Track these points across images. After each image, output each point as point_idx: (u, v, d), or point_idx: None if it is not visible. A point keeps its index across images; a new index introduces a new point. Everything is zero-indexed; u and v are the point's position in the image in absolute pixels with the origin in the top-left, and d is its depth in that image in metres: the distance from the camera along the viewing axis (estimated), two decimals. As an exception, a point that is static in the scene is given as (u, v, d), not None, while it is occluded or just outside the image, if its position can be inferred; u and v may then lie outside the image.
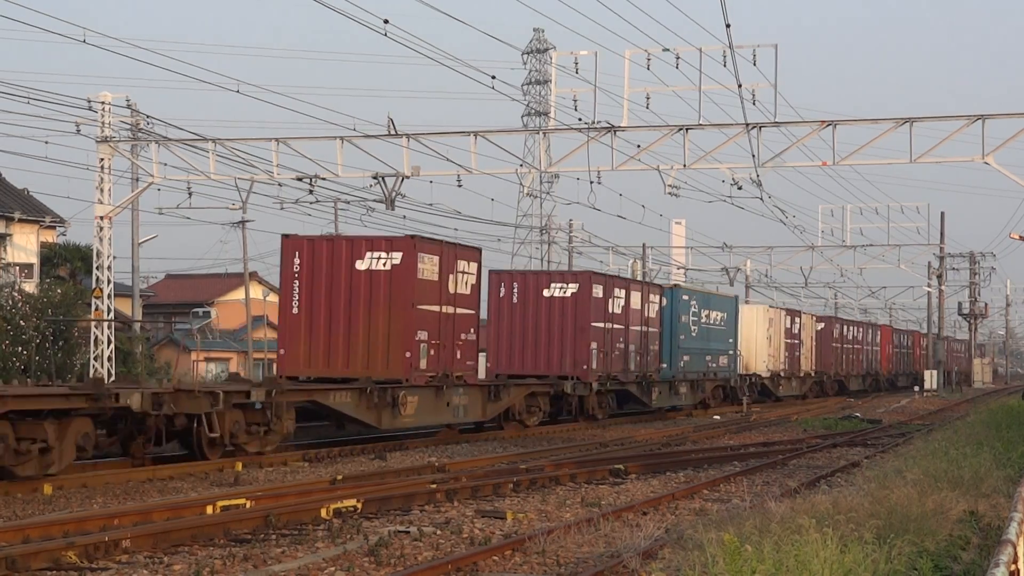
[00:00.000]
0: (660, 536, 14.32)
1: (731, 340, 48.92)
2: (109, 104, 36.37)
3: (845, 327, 72.01)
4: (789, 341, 57.78)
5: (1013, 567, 8.35)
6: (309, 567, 12.65)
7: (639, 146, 34.27)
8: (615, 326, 37.81)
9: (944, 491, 15.54)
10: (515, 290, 35.76)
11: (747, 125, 33.10)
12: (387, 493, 17.75)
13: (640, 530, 14.40)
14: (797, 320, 59.67)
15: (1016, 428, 26.83)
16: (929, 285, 77.59)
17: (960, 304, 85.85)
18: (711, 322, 46.38)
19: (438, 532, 15.12)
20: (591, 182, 35.58)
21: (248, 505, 16.35)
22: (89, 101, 36.05)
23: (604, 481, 21.45)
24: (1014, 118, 31.98)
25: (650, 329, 40.69)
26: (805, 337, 60.85)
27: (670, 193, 35.68)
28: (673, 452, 27.36)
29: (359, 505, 16.55)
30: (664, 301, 42.33)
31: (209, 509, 15.94)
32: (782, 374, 56.50)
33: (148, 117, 37.40)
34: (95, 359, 32.90)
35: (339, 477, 20.26)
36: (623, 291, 38.81)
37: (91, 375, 31.30)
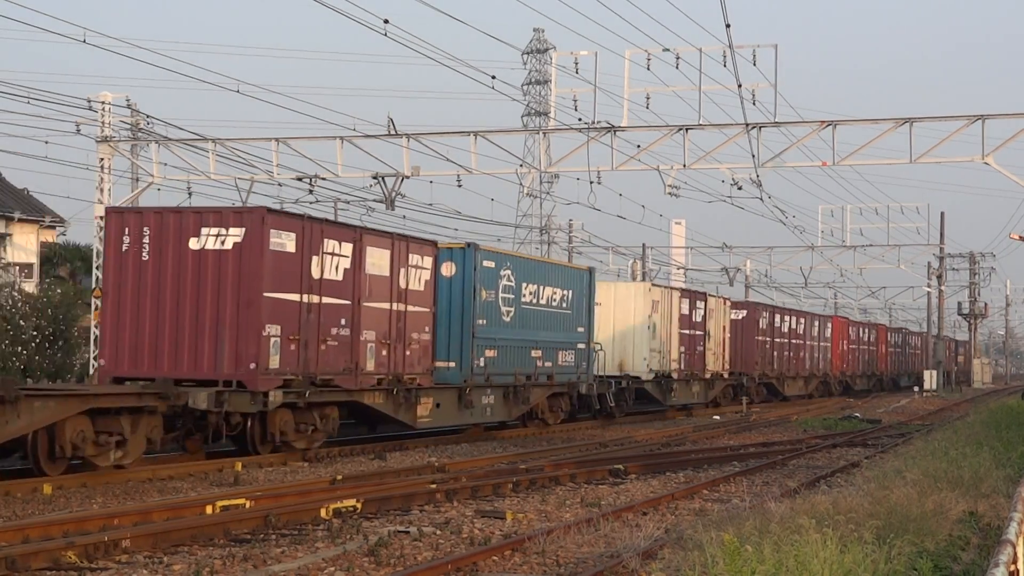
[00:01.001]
0: (660, 536, 14.32)
1: (581, 329, 34.66)
2: (109, 104, 36.39)
3: (779, 316, 58.04)
4: (688, 332, 44.00)
5: (1013, 567, 8.35)
6: (309, 567, 12.65)
7: (639, 146, 34.32)
8: (328, 300, 24.06)
9: (944, 491, 15.55)
10: (146, 240, 22.90)
11: (747, 125, 33.11)
12: (387, 493, 17.75)
13: (640, 530, 14.40)
14: (700, 305, 45.75)
15: (1016, 428, 26.83)
16: (929, 285, 77.59)
17: (960, 304, 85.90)
18: (543, 302, 32.39)
19: (438, 532, 15.12)
20: (591, 182, 35.64)
21: (248, 505, 16.34)
22: (89, 101, 36.08)
23: (604, 481, 21.45)
24: (1014, 118, 32.01)
25: (411, 308, 26.77)
26: (714, 328, 47.07)
27: (670, 193, 35.70)
28: (673, 452, 27.36)
29: (359, 505, 16.55)
30: (449, 268, 28.79)
31: (209, 509, 15.93)
32: (675, 376, 42.49)
33: (148, 117, 37.42)
34: (95, 359, 32.87)
35: (339, 477, 20.26)
36: (349, 245, 24.73)
37: (91, 374, 31.31)
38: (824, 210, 64.85)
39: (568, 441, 30.64)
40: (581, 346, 34.67)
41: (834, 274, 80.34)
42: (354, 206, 41.46)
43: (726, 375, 49.04)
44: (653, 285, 41.84)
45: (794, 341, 59.34)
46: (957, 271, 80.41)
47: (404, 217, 43.65)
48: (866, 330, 77.26)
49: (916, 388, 72.85)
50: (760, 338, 54.04)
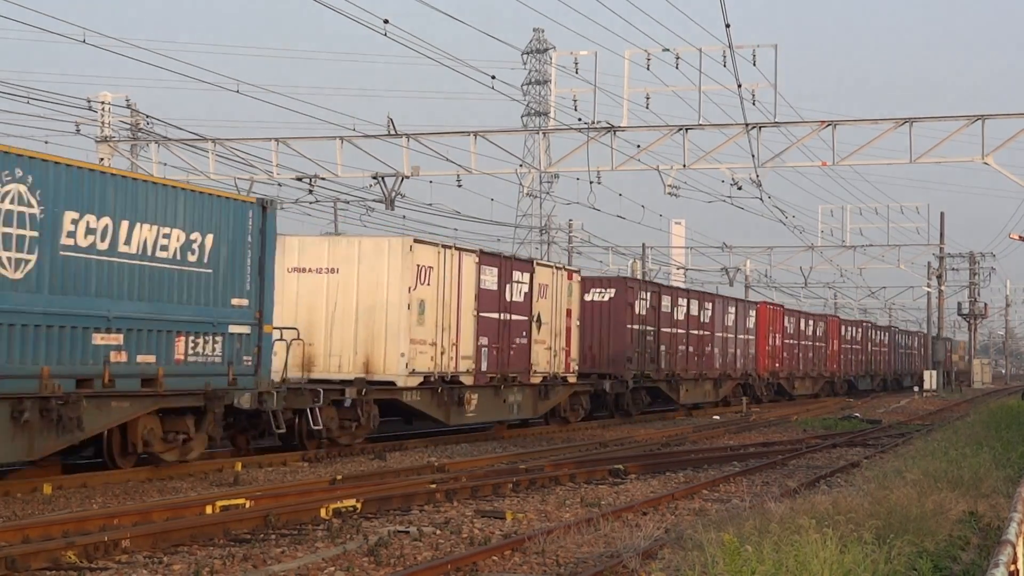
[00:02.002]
0: (660, 536, 14.31)
1: (240, 303, 21.72)
2: (109, 104, 36.42)
3: (670, 299, 43.26)
4: (496, 317, 30.38)
5: (1013, 567, 8.35)
6: (309, 567, 12.65)
7: (639, 146, 34.34)
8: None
9: (944, 491, 15.55)
10: None
11: (747, 125, 33.12)
12: (387, 493, 17.74)
13: (640, 530, 14.40)
14: (520, 277, 31.63)
15: (1016, 428, 26.84)
16: (929, 285, 77.61)
17: (960, 304, 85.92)
18: (127, 249, 19.26)
19: (438, 532, 15.12)
20: (591, 182, 35.67)
21: (248, 505, 16.34)
22: (89, 101, 36.10)
23: (604, 481, 21.44)
24: (1014, 118, 32.04)
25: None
26: (547, 310, 32.89)
27: (670, 193, 35.71)
28: (673, 452, 27.35)
29: (359, 505, 16.55)
30: None
31: (209, 509, 15.93)
32: (469, 382, 29.20)
33: (148, 117, 37.45)
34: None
35: (339, 477, 20.25)
36: None
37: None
38: (824, 210, 64.94)
39: (568, 441, 30.63)
40: (238, 330, 21.71)
41: (834, 274, 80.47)
42: (354, 206, 41.45)
43: (571, 378, 34.88)
44: (420, 242, 27.72)
45: (696, 332, 45.28)
46: (957, 271, 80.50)
47: (404, 217, 43.62)
48: (810, 322, 63.36)
49: (916, 388, 72.88)
50: (635, 327, 39.53)
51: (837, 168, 37.98)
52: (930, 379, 72.68)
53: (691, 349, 44.87)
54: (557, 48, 70.03)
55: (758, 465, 24.38)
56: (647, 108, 34.23)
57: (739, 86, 31.59)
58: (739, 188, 37.39)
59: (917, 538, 12.33)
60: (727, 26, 25.99)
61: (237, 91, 32.99)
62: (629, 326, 39.26)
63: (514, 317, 31.39)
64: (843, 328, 71.13)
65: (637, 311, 39.97)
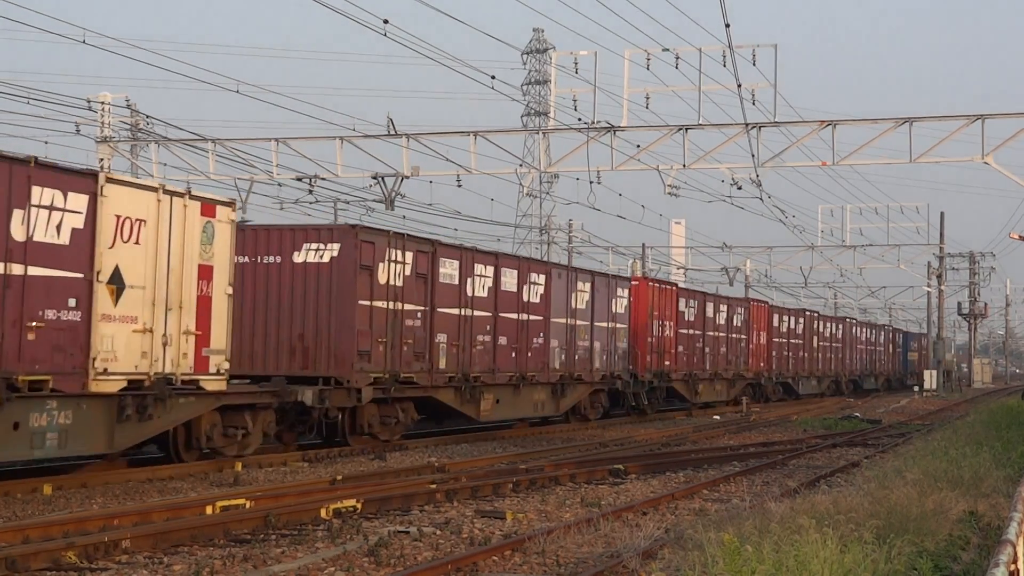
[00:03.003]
0: (660, 536, 14.31)
1: None
2: (109, 104, 36.42)
3: (467, 264, 29.68)
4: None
5: (1013, 567, 8.35)
6: (309, 567, 12.65)
7: (639, 146, 34.33)
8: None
9: (944, 491, 15.55)
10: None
11: (747, 125, 33.12)
12: (387, 493, 17.75)
13: (640, 530, 14.39)
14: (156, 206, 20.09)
15: (1016, 428, 26.84)
16: (929, 285, 77.60)
17: (960, 304, 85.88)
18: None
19: (438, 532, 15.12)
20: (591, 182, 35.67)
21: (248, 505, 16.34)
22: (89, 101, 36.09)
23: (604, 481, 21.44)
24: (1014, 118, 32.03)
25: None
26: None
27: (670, 193, 35.70)
28: (673, 452, 27.35)
29: (359, 505, 16.55)
30: None
31: (209, 509, 15.93)
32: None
33: (148, 117, 37.44)
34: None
35: (339, 477, 20.25)
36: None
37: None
38: (824, 210, 64.91)
39: (567, 441, 30.63)
40: None
41: (834, 274, 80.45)
42: (354, 206, 41.47)
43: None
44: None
45: (517, 319, 31.72)
46: (957, 271, 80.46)
47: (404, 217, 43.65)
48: (722, 307, 48.71)
49: (916, 388, 72.88)
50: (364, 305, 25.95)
51: (837, 168, 37.99)
52: (930, 379, 72.69)
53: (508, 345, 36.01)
54: (557, 48, 70.14)
55: (758, 465, 24.38)
56: (647, 108, 34.25)
57: (739, 86, 31.59)
58: (739, 188, 37.39)
59: (917, 538, 12.34)
60: (727, 26, 26.00)
61: (237, 91, 33.00)
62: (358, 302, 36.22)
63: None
64: (775, 318, 56.11)
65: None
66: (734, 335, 49.64)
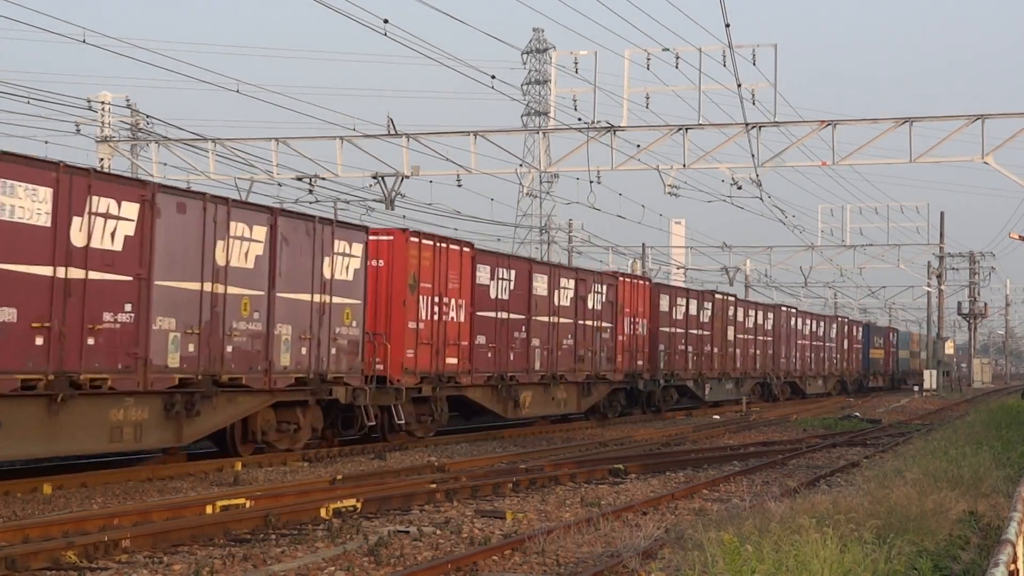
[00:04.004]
0: (660, 536, 14.31)
1: None
2: (109, 104, 36.42)
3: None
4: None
5: (1013, 567, 8.35)
6: (309, 567, 12.65)
7: (639, 146, 34.33)
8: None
9: (944, 491, 15.54)
10: None
11: (747, 125, 33.12)
12: (387, 493, 17.75)
13: (640, 530, 14.39)
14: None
15: (1016, 428, 26.85)
16: (929, 285, 77.62)
17: (960, 304, 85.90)
18: None
19: (438, 532, 15.12)
20: (591, 182, 35.67)
21: (248, 505, 16.34)
22: (89, 101, 36.09)
23: (604, 481, 21.44)
24: (1014, 118, 32.05)
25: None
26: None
27: (670, 193, 35.71)
28: (672, 452, 27.35)
29: (359, 505, 16.55)
30: None
31: (209, 509, 15.93)
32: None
33: (148, 117, 37.43)
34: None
35: (339, 477, 20.25)
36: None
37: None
38: (824, 210, 64.94)
39: (568, 441, 30.63)
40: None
41: (834, 274, 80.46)
42: (354, 206, 41.47)
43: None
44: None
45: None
46: (957, 271, 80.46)
47: (404, 217, 43.61)
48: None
49: (916, 388, 72.86)
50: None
51: (837, 168, 37.99)
52: (930, 379, 72.70)
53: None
54: (557, 48, 70.06)
55: (758, 465, 24.38)
56: (647, 108, 34.27)
57: (739, 86, 31.60)
58: (739, 188, 37.39)
59: (917, 537, 12.34)
60: (727, 26, 26.00)
61: (237, 91, 33.00)
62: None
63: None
64: (663, 300, 42.43)
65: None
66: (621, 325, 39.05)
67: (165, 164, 36.48)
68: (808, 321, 62.21)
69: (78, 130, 36.11)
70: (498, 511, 17.05)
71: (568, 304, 34.96)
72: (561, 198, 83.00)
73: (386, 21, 25.84)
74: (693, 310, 45.24)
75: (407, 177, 35.22)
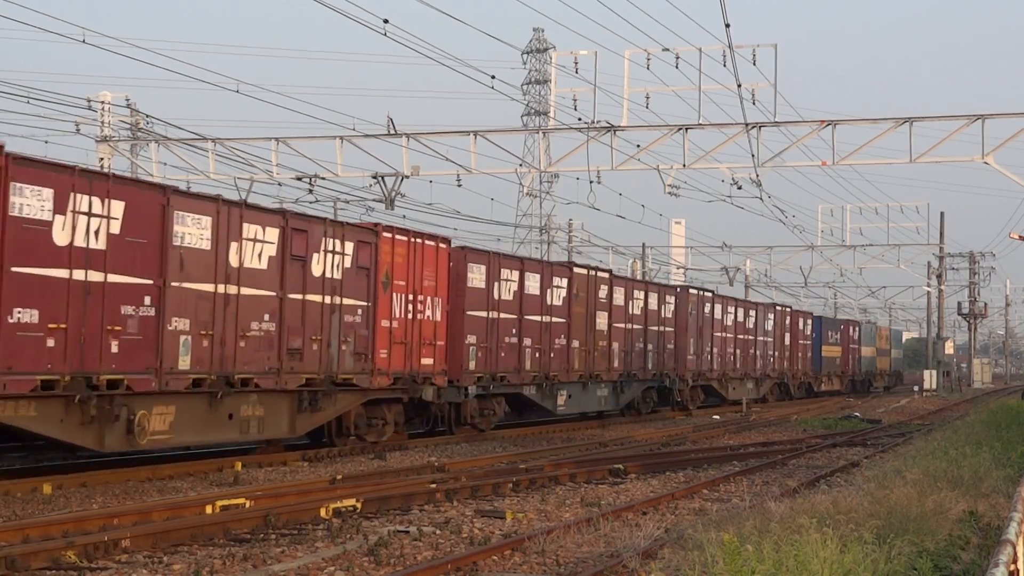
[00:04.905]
0: (660, 536, 14.31)
1: None
2: (109, 104, 36.41)
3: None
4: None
5: (1013, 567, 8.35)
6: (309, 567, 12.65)
7: (639, 146, 34.31)
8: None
9: (944, 491, 15.54)
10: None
11: (747, 125, 33.11)
12: (387, 493, 17.75)
13: (640, 530, 14.39)
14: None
15: (1016, 428, 26.85)
16: (929, 285, 77.60)
17: (960, 304, 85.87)
18: None
19: (437, 532, 15.12)
20: (591, 182, 35.65)
21: (247, 505, 16.34)
22: (89, 101, 36.08)
23: (604, 481, 21.44)
24: (1014, 118, 32.03)
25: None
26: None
27: (670, 193, 35.70)
28: (672, 452, 27.35)
29: (359, 505, 16.55)
30: None
31: (208, 509, 15.93)
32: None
33: (148, 117, 37.42)
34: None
35: (339, 477, 20.25)
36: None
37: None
38: (824, 210, 64.88)
39: (568, 441, 30.64)
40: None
41: (834, 274, 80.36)
42: (354, 206, 41.46)
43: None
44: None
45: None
46: (957, 271, 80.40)
47: (404, 217, 43.60)
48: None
49: (916, 388, 72.83)
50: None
51: (837, 168, 37.98)
52: (930, 379, 72.68)
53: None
54: (557, 48, 70.07)
55: (758, 465, 24.38)
56: (647, 108, 34.24)
57: (739, 86, 31.58)
58: (739, 188, 37.38)
59: (917, 538, 12.34)
60: (727, 26, 25.97)
61: (237, 91, 32.97)
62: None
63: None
64: (500, 271, 31.13)
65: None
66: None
67: (165, 164, 36.49)
68: (731, 308, 50.13)
69: (78, 130, 36.10)
70: (498, 511, 17.04)
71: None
72: (561, 198, 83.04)
73: (386, 21, 25.82)
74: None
75: (407, 177, 35.20)
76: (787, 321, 58.62)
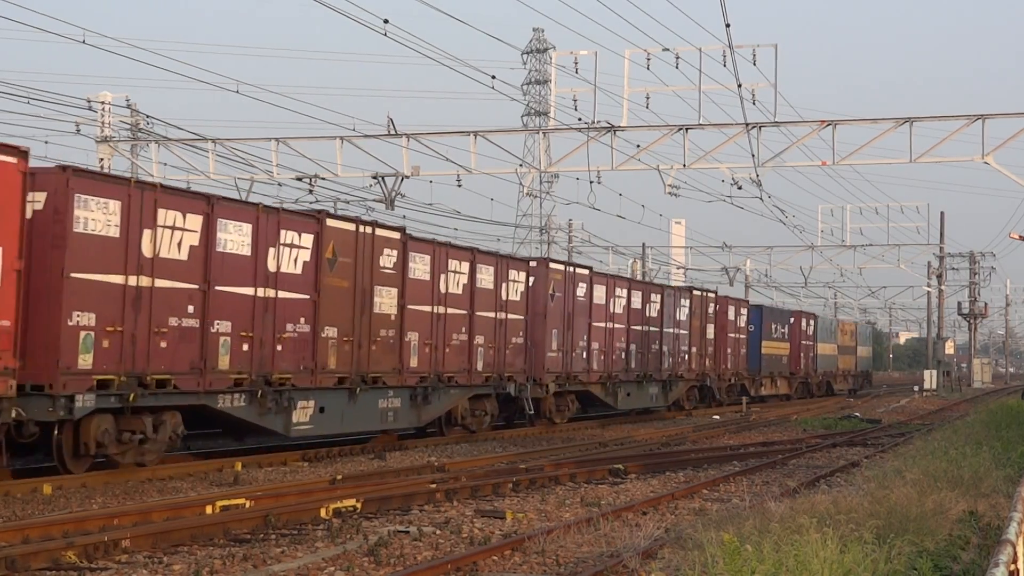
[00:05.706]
0: (660, 536, 14.31)
1: None
2: (109, 104, 36.41)
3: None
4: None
5: (1013, 567, 8.35)
6: (309, 567, 12.65)
7: (639, 146, 34.32)
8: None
9: (944, 491, 15.55)
10: None
11: (747, 125, 33.11)
12: (387, 493, 17.74)
13: (640, 530, 14.39)
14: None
15: (1016, 428, 26.85)
16: (929, 285, 77.60)
17: (960, 304, 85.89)
18: None
19: (437, 532, 15.12)
20: (591, 182, 35.65)
21: (248, 505, 16.34)
22: (89, 101, 36.09)
23: (604, 481, 21.44)
24: (1014, 118, 32.03)
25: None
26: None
27: (670, 193, 35.70)
28: (672, 452, 27.35)
29: (359, 505, 16.55)
30: None
31: (209, 509, 15.93)
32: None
33: (148, 117, 37.43)
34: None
35: (339, 477, 20.25)
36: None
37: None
38: (824, 210, 64.87)
39: (568, 441, 30.64)
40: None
41: (834, 274, 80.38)
42: (354, 206, 41.47)
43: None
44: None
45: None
46: (957, 271, 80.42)
47: (404, 217, 43.64)
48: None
49: (916, 388, 72.82)
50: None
51: (837, 168, 37.98)
52: (930, 379, 72.69)
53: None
54: (557, 48, 70.07)
55: (758, 465, 24.38)
56: (647, 108, 34.24)
57: (739, 86, 31.58)
58: (739, 188, 37.38)
59: (917, 538, 12.33)
60: (727, 26, 25.99)
61: (237, 91, 32.98)
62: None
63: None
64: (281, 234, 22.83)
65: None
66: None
67: (165, 164, 36.49)
68: (622, 292, 39.17)
69: (78, 130, 36.11)
70: (498, 511, 17.05)
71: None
72: (561, 198, 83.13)
73: (386, 21, 25.83)
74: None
75: (407, 177, 35.20)
76: (709, 310, 47.79)
